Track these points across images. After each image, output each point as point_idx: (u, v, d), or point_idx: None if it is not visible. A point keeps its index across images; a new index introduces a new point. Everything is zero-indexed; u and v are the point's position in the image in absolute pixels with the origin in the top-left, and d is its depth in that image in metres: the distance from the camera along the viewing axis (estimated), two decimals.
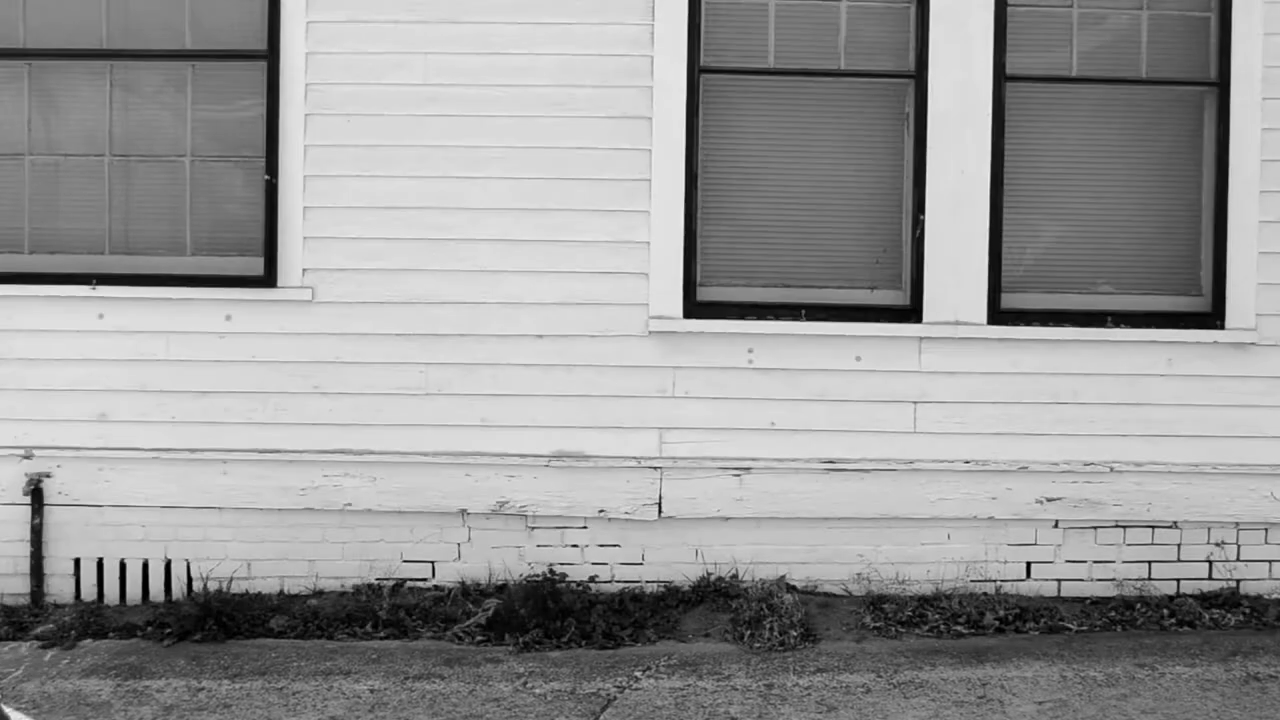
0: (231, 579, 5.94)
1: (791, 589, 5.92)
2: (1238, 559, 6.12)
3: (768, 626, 5.47)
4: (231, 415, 5.95)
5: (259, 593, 5.97)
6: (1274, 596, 6.08)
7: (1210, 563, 6.09)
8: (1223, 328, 5.99)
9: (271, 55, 5.93)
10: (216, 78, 6.08)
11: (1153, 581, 6.09)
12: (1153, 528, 6.09)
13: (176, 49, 6.01)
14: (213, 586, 5.86)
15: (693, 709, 4.70)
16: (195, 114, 6.08)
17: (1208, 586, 6.05)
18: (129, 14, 6.04)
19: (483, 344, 5.91)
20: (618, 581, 5.98)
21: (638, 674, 5.06)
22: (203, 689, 4.92)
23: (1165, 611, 5.80)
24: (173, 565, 6.00)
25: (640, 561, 6.01)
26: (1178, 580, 6.11)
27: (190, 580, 5.98)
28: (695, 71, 5.97)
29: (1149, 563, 6.09)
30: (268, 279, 5.93)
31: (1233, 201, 6.01)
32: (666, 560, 5.86)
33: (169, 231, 6.09)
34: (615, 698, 4.82)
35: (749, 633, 5.47)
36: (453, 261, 5.93)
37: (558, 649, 5.35)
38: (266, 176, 5.93)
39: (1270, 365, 6.01)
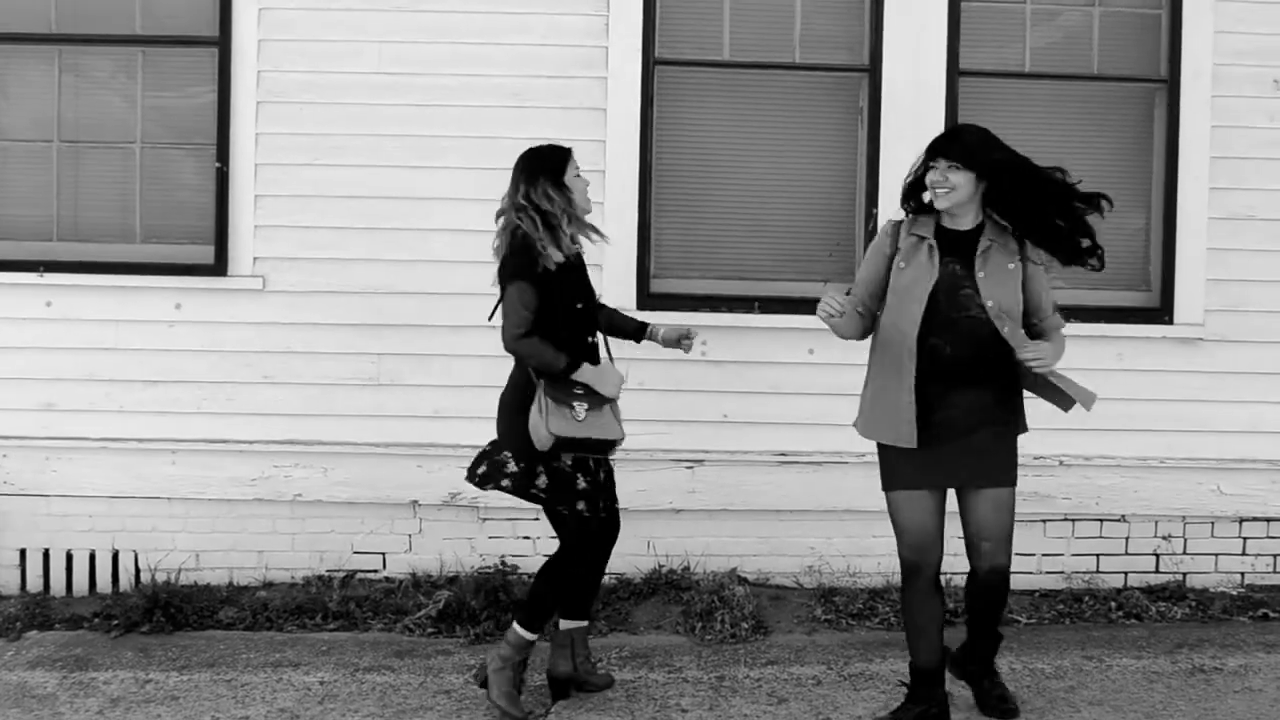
0: (180, 570, 5.89)
1: (743, 581, 5.94)
2: (1184, 552, 6.18)
3: (719, 619, 5.48)
4: (181, 405, 5.91)
5: (208, 584, 5.92)
6: (1219, 590, 6.14)
7: (1157, 556, 6.15)
8: (1172, 323, 6.04)
9: (223, 41, 5.89)
10: (167, 64, 6.04)
11: (1101, 574, 6.14)
12: (1101, 521, 6.15)
13: (127, 34, 5.97)
14: (161, 578, 5.81)
15: (644, 701, 4.71)
16: (146, 100, 6.03)
17: (1155, 579, 6.11)
18: None
19: (436, 335, 5.89)
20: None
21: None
22: (150, 681, 4.89)
23: (1113, 604, 5.85)
24: (120, 556, 5.96)
25: None
26: (1125, 573, 6.17)
27: (138, 571, 5.94)
28: (650, 63, 5.97)
29: (1097, 556, 6.15)
30: (218, 267, 5.89)
31: (1182, 198, 6.07)
32: (618, 552, 5.77)
33: (118, 219, 6.04)
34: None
35: (700, 625, 5.48)
36: (406, 252, 5.91)
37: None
38: (217, 164, 5.89)
39: (1217, 361, 6.07)
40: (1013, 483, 4.32)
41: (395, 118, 5.91)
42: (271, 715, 4.56)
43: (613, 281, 5.88)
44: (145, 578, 5.86)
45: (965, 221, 4.27)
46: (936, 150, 4.24)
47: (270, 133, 5.91)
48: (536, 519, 5.93)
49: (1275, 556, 6.21)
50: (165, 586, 5.68)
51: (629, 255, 5.91)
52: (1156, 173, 6.16)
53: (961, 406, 4.21)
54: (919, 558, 4.27)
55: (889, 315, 4.27)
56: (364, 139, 5.91)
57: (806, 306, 5.94)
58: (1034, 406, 5.95)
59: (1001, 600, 4.44)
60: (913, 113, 6.00)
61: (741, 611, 5.54)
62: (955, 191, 4.18)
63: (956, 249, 4.24)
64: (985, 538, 4.28)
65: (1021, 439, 6.00)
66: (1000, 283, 4.20)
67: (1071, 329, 5.92)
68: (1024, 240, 4.28)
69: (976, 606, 4.47)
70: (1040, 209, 4.23)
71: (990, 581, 4.33)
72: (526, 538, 5.99)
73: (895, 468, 4.35)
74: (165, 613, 5.50)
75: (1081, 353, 5.95)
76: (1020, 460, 5.93)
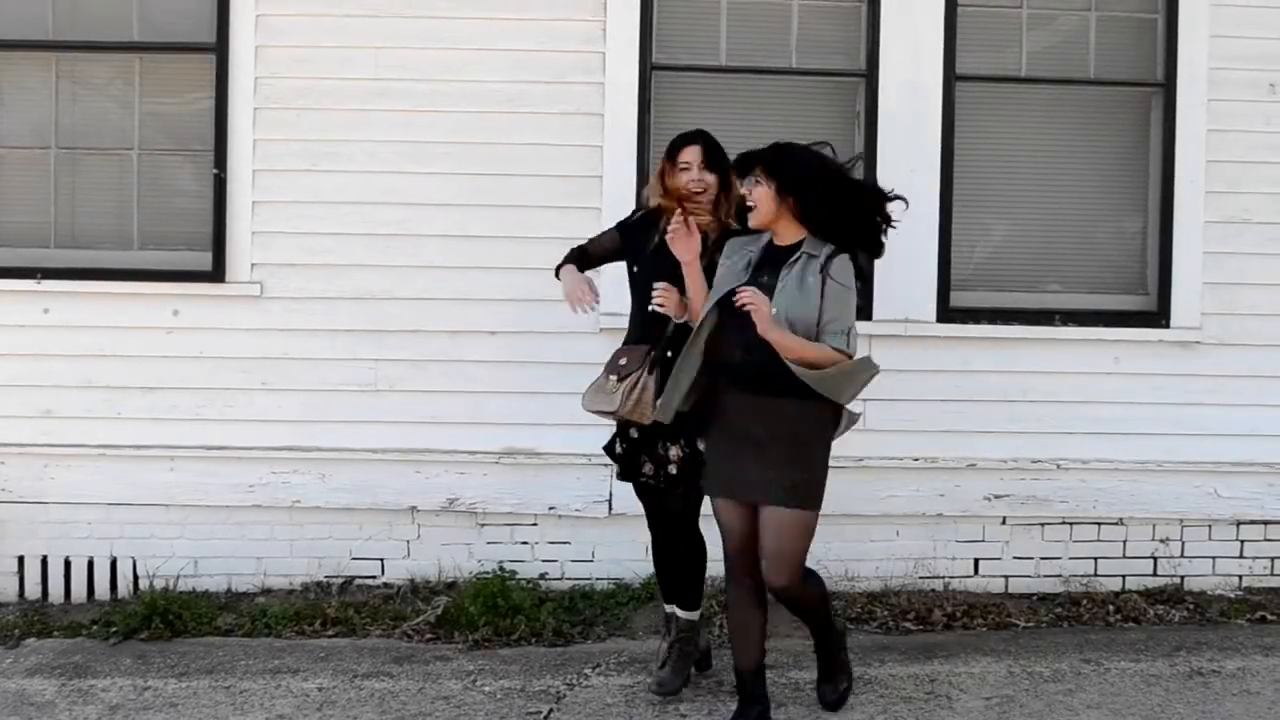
0: (178, 577, 5.88)
1: None
2: (1182, 555, 6.18)
3: (717, 623, 5.47)
4: (179, 411, 5.90)
5: (206, 590, 5.92)
6: (1217, 592, 6.14)
7: (1155, 559, 6.15)
8: (1168, 326, 6.04)
9: (220, 48, 5.87)
10: (165, 70, 6.04)
11: (1099, 578, 6.14)
12: (1099, 524, 6.15)
13: (124, 41, 5.95)
14: (159, 584, 5.80)
15: (643, 706, 4.71)
16: (143, 107, 6.03)
17: (1152, 583, 6.11)
18: (76, 6, 5.98)
19: (433, 340, 5.88)
20: (568, 579, 5.97)
21: (588, 671, 5.06)
22: (149, 688, 4.88)
23: (1111, 608, 5.87)
24: (119, 563, 5.94)
25: (591, 559, 6.00)
26: (1123, 576, 6.17)
27: (136, 578, 5.93)
28: (647, 68, 5.97)
29: (1095, 559, 6.15)
30: (216, 274, 5.88)
31: (1179, 201, 6.07)
32: (617, 557, 5.85)
33: (116, 225, 6.03)
34: (565, 695, 4.82)
35: None
36: (403, 257, 5.90)
37: (507, 646, 5.33)
38: (215, 170, 5.88)
39: (1214, 364, 6.07)
40: (789, 504, 4.19)
41: (391, 123, 5.90)
42: None
43: (610, 288, 5.82)
44: (144, 584, 5.85)
45: (785, 238, 4.26)
46: (738, 168, 4.37)
47: (268, 139, 5.90)
48: (535, 524, 5.97)
49: (1273, 559, 6.21)
50: (164, 593, 5.68)
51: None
52: (1153, 176, 6.16)
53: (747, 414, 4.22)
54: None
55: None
56: (360, 145, 5.90)
57: None
58: (1027, 409, 6.01)
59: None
60: (910, 117, 6.00)
61: None
62: (758, 209, 4.24)
63: (777, 263, 4.23)
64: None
65: (1019, 442, 6.04)
66: (791, 294, 4.13)
67: (1069, 333, 5.99)
68: (842, 253, 4.21)
69: None
70: (855, 217, 4.27)
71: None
72: (524, 543, 5.98)
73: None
74: (164, 619, 5.48)
75: (1078, 356, 6.01)
76: (1018, 464, 5.99)
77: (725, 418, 4.27)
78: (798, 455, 4.19)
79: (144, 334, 5.89)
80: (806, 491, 4.20)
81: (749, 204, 4.26)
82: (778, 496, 4.16)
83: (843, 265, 4.18)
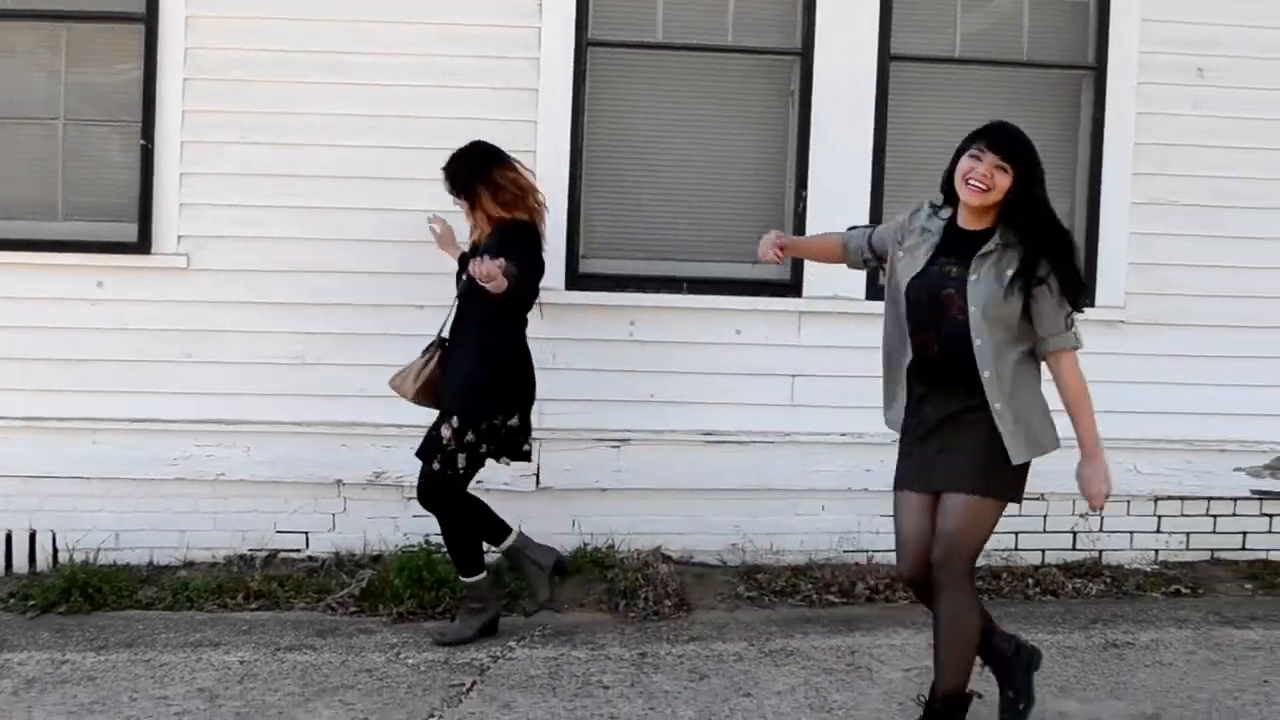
0: (99, 550, 5.82)
1: (667, 559, 5.95)
2: (1100, 530, 6.26)
3: (643, 596, 5.49)
4: (103, 384, 5.83)
5: (127, 564, 5.84)
6: (1134, 566, 6.23)
7: (1074, 534, 6.22)
8: (1094, 306, 6.08)
9: (150, 18, 5.79)
10: (93, 40, 5.96)
11: (1019, 552, 6.20)
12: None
13: (51, 9, 5.84)
14: (79, 558, 5.75)
15: (566, 678, 4.71)
16: (70, 77, 5.94)
17: (1071, 557, 6.19)
18: None
19: (361, 314, 5.86)
20: (494, 552, 5.93)
21: (512, 644, 5.06)
22: (67, 661, 4.82)
23: (1030, 581, 5.93)
24: (38, 536, 5.86)
25: None
26: (1043, 551, 6.24)
27: (56, 551, 5.86)
28: (583, 44, 5.96)
29: (1016, 533, 6.18)
30: (142, 245, 5.82)
31: (1106, 183, 6.14)
32: (544, 531, 5.82)
33: (40, 196, 5.95)
34: (489, 667, 4.81)
35: (624, 602, 5.49)
36: (332, 230, 5.86)
37: (432, 619, 5.32)
38: (142, 141, 5.81)
39: (1138, 343, 6.14)
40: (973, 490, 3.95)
41: (323, 96, 5.85)
42: (190, 695, 4.51)
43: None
44: (63, 558, 5.79)
45: (976, 223, 3.94)
46: (986, 143, 3.86)
47: (197, 110, 5.83)
48: None
49: (1188, 534, 6.31)
50: (84, 566, 5.63)
51: (559, 236, 5.88)
52: (1081, 159, 6.23)
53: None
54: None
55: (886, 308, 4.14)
56: (293, 117, 5.85)
57: (734, 287, 6.03)
58: None
59: None
60: (844, 97, 6.03)
61: (665, 589, 5.56)
62: (991, 193, 3.84)
63: (957, 248, 3.94)
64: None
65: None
66: (989, 287, 3.84)
67: None
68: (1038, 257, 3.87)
69: None
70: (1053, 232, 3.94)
71: None
72: None
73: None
74: (83, 593, 5.43)
75: None
76: None
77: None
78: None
79: (68, 305, 5.81)
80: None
81: (976, 183, 3.83)
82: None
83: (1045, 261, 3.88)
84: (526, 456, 5.23)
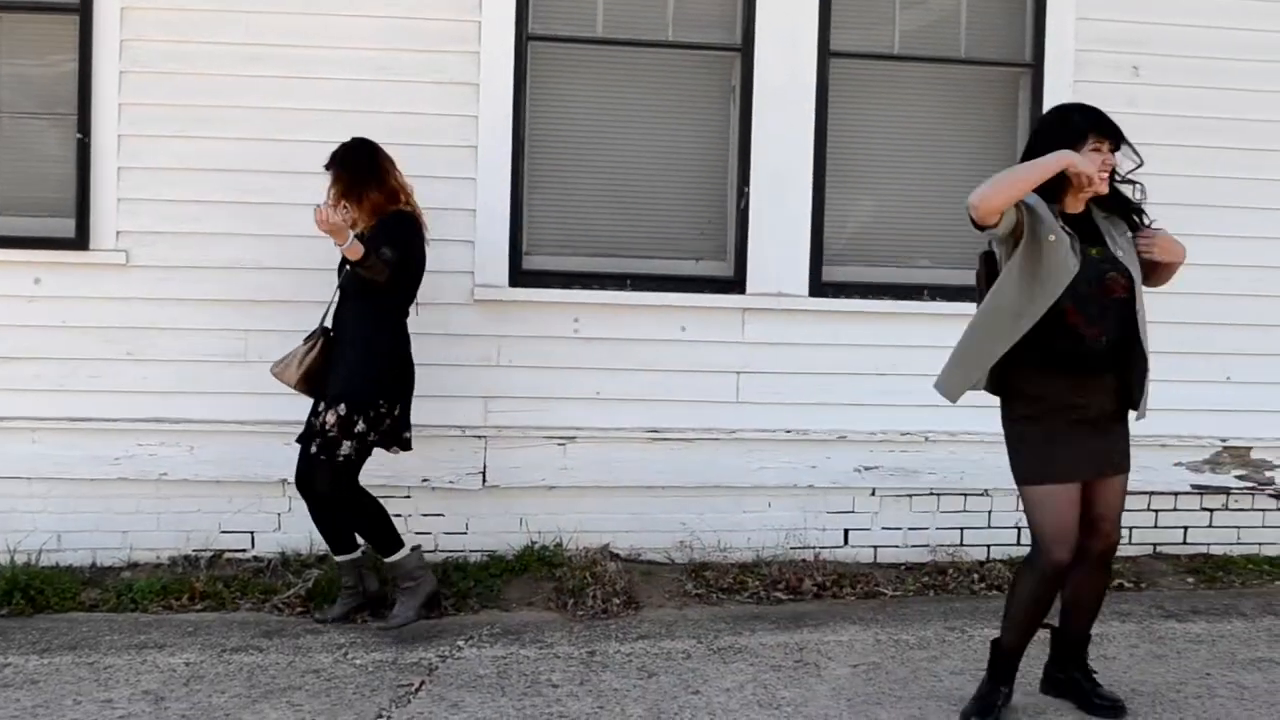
0: (40, 551, 5.74)
1: (615, 557, 5.96)
2: None
3: (591, 595, 5.51)
4: (41, 382, 5.75)
5: (70, 565, 5.77)
6: None
7: (1019, 529, 6.26)
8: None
9: (84, 9, 5.71)
10: (27, 31, 5.88)
11: (965, 547, 6.29)
12: (965, 495, 6.29)
13: None
14: (20, 559, 5.66)
15: (515, 677, 4.71)
16: (3, 68, 5.84)
17: (1016, 552, 6.22)
18: None
19: (305, 310, 5.72)
20: (441, 551, 5.95)
21: (460, 643, 5.06)
22: (9, 665, 4.74)
23: (976, 576, 6.02)
24: None
25: (464, 531, 6.00)
26: (988, 546, 6.32)
27: None
28: (524, 39, 5.95)
29: (961, 529, 6.30)
30: (79, 241, 5.73)
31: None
32: (491, 529, 5.85)
33: None
34: (437, 667, 4.80)
35: (572, 601, 5.51)
36: (274, 226, 5.80)
37: (380, 619, 5.30)
38: (79, 135, 5.72)
39: None
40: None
41: (263, 89, 5.80)
42: (135, 698, 4.46)
43: (485, 258, 5.87)
44: (4, 559, 5.68)
45: (1075, 208, 4.12)
46: (1108, 134, 4.05)
47: (134, 103, 5.75)
48: (408, 496, 5.93)
49: (1130, 529, 6.37)
50: (25, 568, 5.55)
51: (502, 232, 5.90)
52: (1019, 155, 6.26)
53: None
54: None
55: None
56: (231, 111, 5.78)
57: (678, 284, 6.05)
58: (897, 383, 6.09)
59: None
60: (784, 92, 6.07)
61: (613, 587, 5.57)
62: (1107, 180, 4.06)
63: (1085, 234, 4.07)
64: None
65: (889, 415, 6.15)
66: (1130, 257, 4.09)
67: (937, 308, 6.10)
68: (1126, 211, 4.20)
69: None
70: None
71: None
72: (398, 515, 5.80)
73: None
74: (25, 595, 5.36)
75: (929, 328, 5.94)
76: (887, 436, 6.11)
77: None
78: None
79: (4, 303, 5.72)
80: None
81: (1105, 173, 4.02)
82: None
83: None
84: (408, 445, 5.28)
